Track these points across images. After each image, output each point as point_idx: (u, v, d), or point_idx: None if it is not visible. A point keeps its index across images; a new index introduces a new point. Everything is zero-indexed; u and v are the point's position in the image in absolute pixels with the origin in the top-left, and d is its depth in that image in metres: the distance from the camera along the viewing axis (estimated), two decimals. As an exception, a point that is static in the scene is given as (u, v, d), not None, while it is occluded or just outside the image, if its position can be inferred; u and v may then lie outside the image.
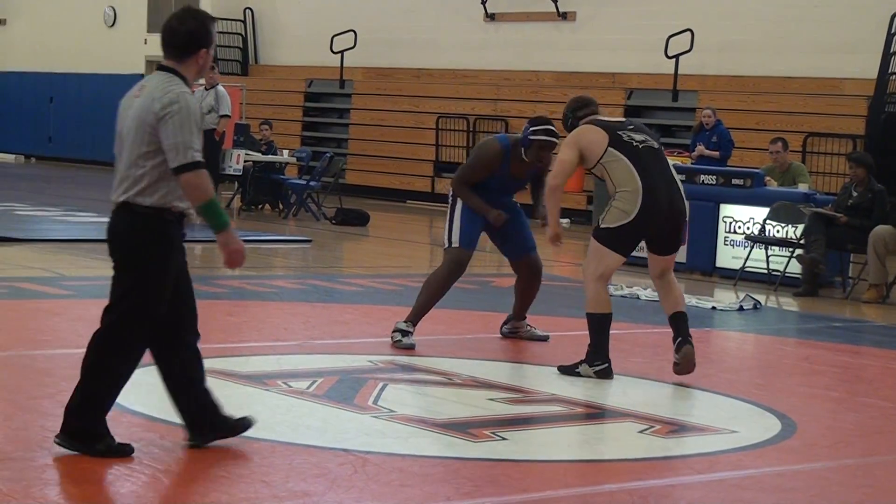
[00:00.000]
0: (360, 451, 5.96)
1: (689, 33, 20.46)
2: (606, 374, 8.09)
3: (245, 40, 27.50)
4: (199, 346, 5.85)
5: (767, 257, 14.08)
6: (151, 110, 5.56)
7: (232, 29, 27.38)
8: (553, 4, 22.75)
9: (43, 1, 32.32)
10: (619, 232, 8.01)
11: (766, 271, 14.02)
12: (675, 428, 7.03)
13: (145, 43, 29.76)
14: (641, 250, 8.46)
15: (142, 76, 33.08)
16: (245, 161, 19.33)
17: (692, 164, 16.92)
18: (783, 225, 14.06)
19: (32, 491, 5.11)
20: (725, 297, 12.75)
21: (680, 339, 8.09)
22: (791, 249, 13.74)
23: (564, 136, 8.33)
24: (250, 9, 27.44)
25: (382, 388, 7.40)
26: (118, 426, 6.17)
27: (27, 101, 32.18)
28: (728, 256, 14.56)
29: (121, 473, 5.41)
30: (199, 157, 5.51)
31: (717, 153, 17.54)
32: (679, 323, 8.14)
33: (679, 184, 8.18)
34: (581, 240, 16.89)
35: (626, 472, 6.09)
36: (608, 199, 8.15)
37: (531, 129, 8.85)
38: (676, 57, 20.70)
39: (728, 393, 8.02)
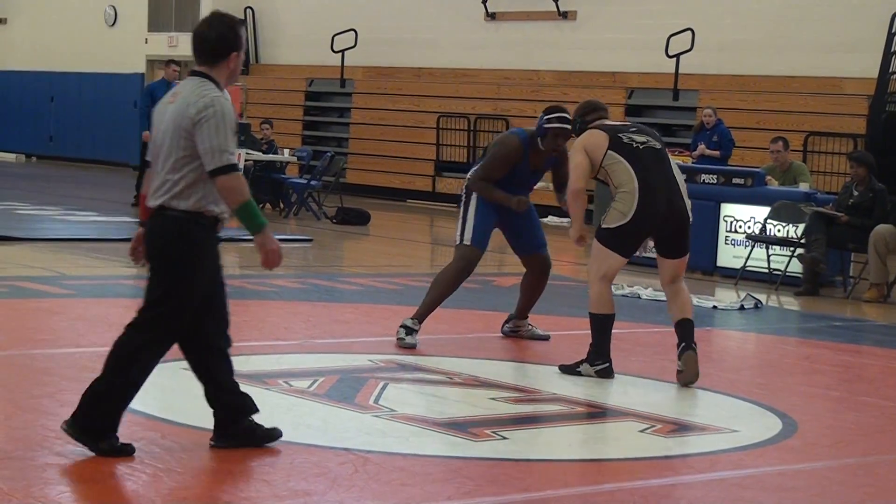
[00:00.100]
0: (361, 450, 5.96)
1: (689, 32, 20.45)
2: (607, 373, 8.10)
3: (246, 40, 27.50)
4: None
5: (768, 256, 14.08)
6: (187, 115, 5.60)
7: (232, 28, 27.36)
8: (554, 3, 22.74)
9: (44, 0, 32.32)
10: (619, 233, 8.01)
11: (766, 271, 14.02)
12: (676, 427, 7.03)
13: (146, 42, 29.76)
14: (651, 252, 8.43)
15: (142, 76, 32.95)
16: (246, 160, 19.32)
17: (693, 163, 16.92)
18: (784, 224, 14.06)
19: (33, 490, 5.11)
20: (726, 297, 12.75)
21: (683, 344, 8.04)
22: (792, 249, 13.74)
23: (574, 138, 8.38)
24: (251, 8, 27.43)
25: (383, 388, 7.40)
26: (118, 425, 6.17)
27: (28, 101, 32.18)
28: (729, 256, 14.56)
29: (121, 472, 5.41)
30: (234, 160, 5.59)
31: (718, 152, 17.54)
32: (684, 329, 8.07)
33: (682, 185, 8.15)
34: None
35: (627, 472, 6.09)
36: (610, 200, 8.15)
37: (545, 117, 8.88)
38: (677, 56, 20.70)
39: (729, 392, 8.02)
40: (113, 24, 30.87)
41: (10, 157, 32.12)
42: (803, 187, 14.73)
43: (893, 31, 18.54)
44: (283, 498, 5.24)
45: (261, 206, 20.28)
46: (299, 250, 15.31)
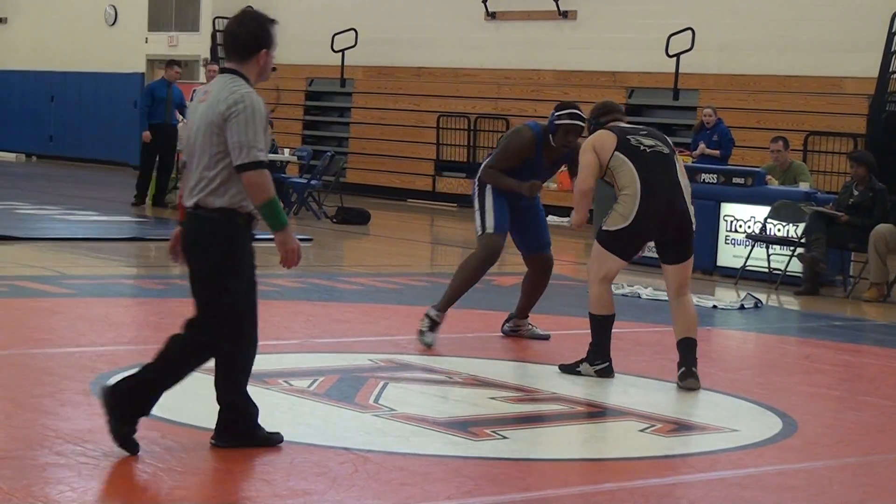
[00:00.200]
0: (361, 449, 5.96)
1: (689, 32, 20.45)
2: (607, 372, 8.10)
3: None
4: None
5: (768, 256, 14.08)
6: (217, 111, 5.65)
7: (232, 28, 27.37)
8: (554, 3, 22.74)
9: (44, 0, 32.32)
10: (619, 235, 8.01)
11: (767, 270, 14.02)
12: (676, 427, 7.03)
13: (146, 42, 29.75)
14: (651, 251, 8.42)
15: (142, 75, 32.97)
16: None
17: (693, 162, 16.91)
18: (784, 224, 14.06)
19: (33, 490, 5.11)
20: (726, 296, 12.75)
21: (684, 368, 7.94)
22: (792, 248, 13.74)
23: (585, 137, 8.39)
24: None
25: (383, 387, 7.40)
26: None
27: (28, 100, 32.18)
28: (729, 255, 14.56)
29: (121, 471, 5.41)
30: (262, 156, 5.62)
31: (718, 152, 17.54)
32: (687, 350, 7.97)
33: (686, 191, 8.10)
34: (582, 239, 16.89)
35: (627, 471, 6.09)
36: (612, 202, 8.15)
37: (556, 114, 8.91)
38: (677, 56, 20.70)
39: (729, 392, 8.02)
40: (113, 23, 30.87)
41: (10, 156, 32.12)
42: (803, 187, 14.74)
43: (893, 30, 18.53)
44: (283, 497, 5.24)
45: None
46: (299, 250, 15.29)
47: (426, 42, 24.55)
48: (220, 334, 5.72)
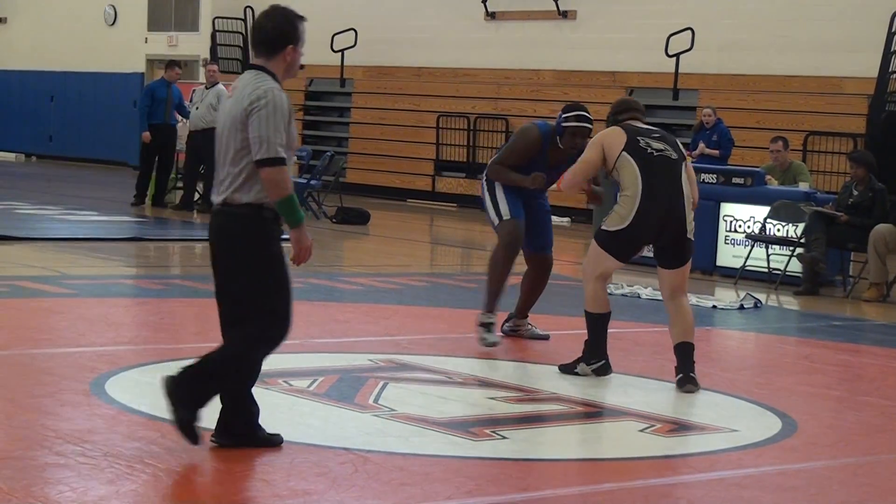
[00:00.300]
0: (361, 449, 5.96)
1: (689, 32, 20.46)
2: (603, 370, 8.10)
3: (245, 39, 27.47)
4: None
5: (768, 256, 14.08)
6: (241, 107, 5.68)
7: (232, 28, 27.38)
8: (554, 3, 22.74)
9: (44, 0, 32.31)
10: (616, 236, 8.00)
11: (766, 270, 14.03)
12: (676, 427, 7.03)
13: (146, 42, 29.75)
14: (651, 252, 8.41)
15: (142, 75, 32.90)
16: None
17: (693, 162, 16.89)
18: (784, 224, 14.06)
19: (33, 490, 5.11)
20: (726, 296, 12.76)
21: (682, 375, 7.92)
22: (792, 248, 13.75)
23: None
24: (250, 8, 27.40)
25: (383, 387, 7.40)
26: (118, 425, 6.18)
27: (28, 100, 32.18)
28: (729, 255, 14.56)
29: (121, 472, 5.41)
30: (282, 152, 5.63)
31: (718, 152, 17.54)
32: (684, 355, 7.95)
33: (688, 199, 8.04)
34: (581, 239, 16.90)
35: (627, 471, 6.09)
36: (613, 200, 8.15)
37: (563, 115, 8.91)
38: (677, 56, 20.70)
39: (728, 392, 8.02)
40: (113, 23, 30.87)
41: (10, 156, 32.12)
42: (803, 187, 14.74)
43: (893, 30, 18.54)
44: (283, 497, 5.24)
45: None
46: (299, 250, 15.29)
47: (426, 42, 24.56)
48: (269, 324, 5.73)
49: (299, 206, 5.74)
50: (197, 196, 18.97)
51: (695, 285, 13.29)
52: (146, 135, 19.05)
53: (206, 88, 18.62)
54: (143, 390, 7.05)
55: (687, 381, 7.87)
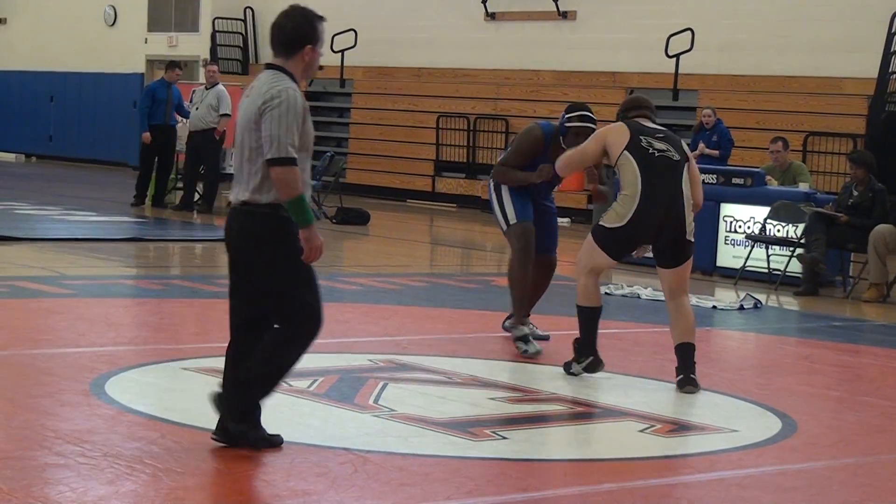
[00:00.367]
0: (361, 449, 5.96)
1: (689, 32, 20.46)
2: (594, 367, 8.08)
3: (245, 39, 27.50)
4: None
5: (768, 256, 14.08)
6: (256, 105, 5.69)
7: (232, 28, 27.39)
8: (553, 3, 22.75)
9: (44, 0, 32.32)
10: (613, 234, 7.99)
11: (766, 270, 14.02)
12: (676, 427, 7.03)
13: (145, 42, 29.75)
14: (649, 252, 8.40)
15: (142, 76, 32.90)
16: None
17: (692, 163, 16.91)
18: (784, 224, 14.06)
19: (33, 490, 5.11)
20: (726, 297, 12.75)
21: (682, 376, 7.91)
22: (792, 249, 13.74)
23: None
24: (250, 8, 27.42)
25: (383, 388, 7.40)
26: (118, 425, 6.18)
27: (28, 100, 32.18)
28: (728, 256, 14.56)
29: (121, 472, 5.41)
30: (293, 152, 5.63)
31: (718, 152, 17.55)
32: (685, 355, 7.94)
33: (688, 201, 8.03)
34: (582, 239, 16.86)
35: (627, 471, 6.09)
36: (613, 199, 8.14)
37: (567, 115, 8.90)
38: (677, 56, 20.70)
39: (728, 392, 8.02)
40: (113, 24, 30.88)
41: (10, 156, 32.12)
42: (803, 187, 14.74)
43: (893, 30, 18.54)
44: (283, 498, 5.24)
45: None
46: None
47: (426, 42, 24.56)
48: (303, 319, 5.75)
49: (309, 207, 5.74)
50: (197, 196, 18.97)
51: (695, 285, 13.28)
52: (146, 135, 19.04)
53: (206, 89, 18.62)
54: (142, 390, 7.05)
55: (687, 381, 7.86)
